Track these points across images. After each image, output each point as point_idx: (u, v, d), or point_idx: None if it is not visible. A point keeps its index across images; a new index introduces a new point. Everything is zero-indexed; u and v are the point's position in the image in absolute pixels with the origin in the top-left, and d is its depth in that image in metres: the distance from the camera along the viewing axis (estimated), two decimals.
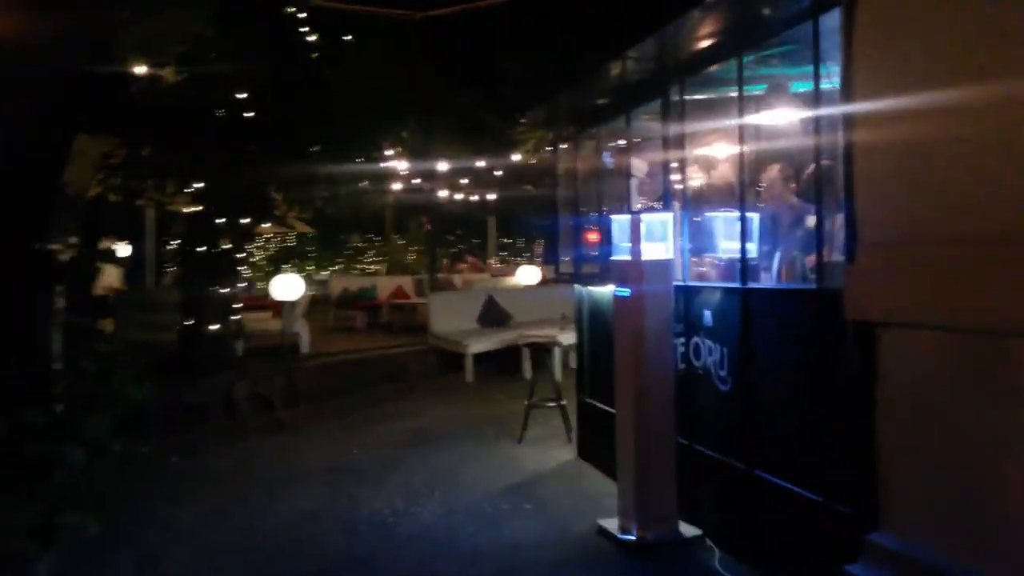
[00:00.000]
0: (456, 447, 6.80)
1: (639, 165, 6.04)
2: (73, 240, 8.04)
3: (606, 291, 5.68)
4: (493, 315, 11.41)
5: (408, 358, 10.26)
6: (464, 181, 18.88)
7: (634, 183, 5.99)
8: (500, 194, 22.07)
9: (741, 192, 4.14)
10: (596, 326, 5.93)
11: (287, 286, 9.41)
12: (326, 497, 5.58)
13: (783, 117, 4.89)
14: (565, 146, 6.95)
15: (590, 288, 6.04)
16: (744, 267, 4.03)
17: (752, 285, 4.01)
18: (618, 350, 4.58)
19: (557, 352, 8.36)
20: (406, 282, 15.78)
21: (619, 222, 4.58)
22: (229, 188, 7.69)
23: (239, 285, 8.78)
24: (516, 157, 16.92)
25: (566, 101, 6.23)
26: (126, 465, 5.99)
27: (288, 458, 6.74)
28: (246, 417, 7.96)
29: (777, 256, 4.07)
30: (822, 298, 3.40)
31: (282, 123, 7.91)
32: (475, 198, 22.55)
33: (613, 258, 4.61)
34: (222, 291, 8.10)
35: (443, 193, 23.18)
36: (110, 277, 13.51)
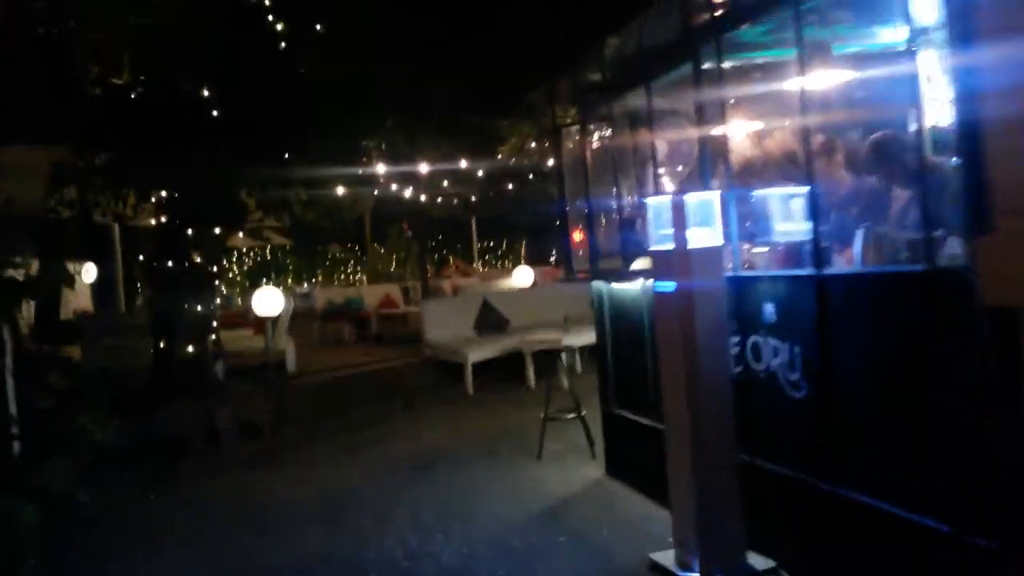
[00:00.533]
0: (468, 469, 6.12)
1: (659, 144, 5.42)
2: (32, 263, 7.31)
3: (633, 287, 5.05)
4: (490, 321, 10.74)
5: (403, 371, 9.57)
6: (444, 184, 18.24)
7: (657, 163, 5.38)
8: (481, 195, 21.45)
9: (808, 165, 3.50)
10: (622, 328, 5.28)
11: (268, 300, 8.70)
12: (328, 536, 4.89)
13: (833, 80, 4.29)
14: (570, 130, 6.31)
15: (612, 285, 5.39)
16: (818, 250, 3.40)
17: (831, 271, 3.38)
18: (663, 356, 3.94)
19: (566, 357, 7.70)
20: (394, 290, 15.09)
21: (656, 206, 3.94)
22: (196, 196, 6.97)
23: (215, 302, 8.05)
24: (499, 156, 16.32)
25: (572, 77, 5.60)
26: (92, 517, 5.33)
27: (281, 490, 6.02)
28: (231, 446, 7.24)
29: (859, 235, 3.45)
30: (935, 281, 2.78)
31: (250, 122, 7.20)
32: (455, 201, 21.92)
33: (652, 248, 3.96)
34: (197, 309, 7.39)
35: (423, 198, 22.54)
36: (78, 300, 12.71)
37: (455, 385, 9.62)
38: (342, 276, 26.70)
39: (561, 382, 8.37)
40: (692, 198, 3.75)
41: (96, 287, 12.94)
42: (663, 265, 3.86)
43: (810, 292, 3.42)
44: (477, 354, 9.53)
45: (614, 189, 5.70)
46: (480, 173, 17.84)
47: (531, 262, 29.00)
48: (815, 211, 3.44)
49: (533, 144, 16.43)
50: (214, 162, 6.95)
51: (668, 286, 3.80)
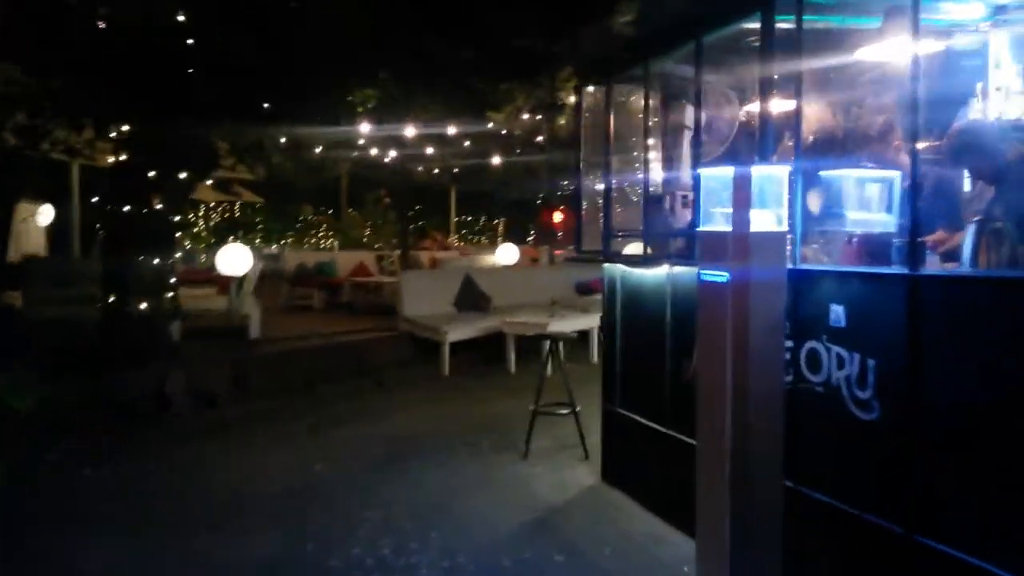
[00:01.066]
0: (447, 463, 5.49)
1: (695, 114, 4.79)
2: None
3: (654, 274, 4.43)
4: (471, 298, 10.09)
5: (376, 345, 8.89)
6: (429, 151, 17.44)
7: (687, 135, 4.75)
8: (464, 166, 20.70)
9: (914, 145, 2.88)
10: (637, 319, 4.67)
11: (235, 259, 7.96)
12: (286, 537, 4.23)
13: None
14: (591, 93, 5.64)
15: (628, 270, 4.77)
16: (914, 246, 2.80)
17: (929, 271, 2.79)
18: (703, 357, 3.32)
19: (562, 347, 7.10)
20: (368, 258, 14.33)
21: (713, 179, 3.31)
22: (160, 134, 6.19)
23: (176, 256, 7.29)
24: (490, 123, 15.58)
25: (601, 31, 4.94)
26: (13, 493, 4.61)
27: (236, 475, 5.34)
28: (183, 416, 6.53)
29: (970, 230, 2.85)
30: None
31: (229, 55, 6.42)
32: (437, 171, 21.13)
33: (702, 228, 3.34)
34: (154, 262, 6.63)
35: (403, 165, 21.69)
36: (32, 243, 11.81)
37: (430, 364, 8.98)
38: (313, 240, 25.78)
39: (547, 371, 7.81)
40: (760, 171, 3.12)
41: (52, 231, 12.02)
42: (714, 250, 3.24)
43: (898, 295, 2.83)
44: (456, 333, 8.89)
45: (638, 162, 5.07)
46: (467, 143, 17.13)
47: (509, 241, 28.40)
48: (912, 198, 2.84)
49: (525, 116, 15.75)
50: (184, 97, 6.17)
51: (718, 275, 3.18)
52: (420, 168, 20.38)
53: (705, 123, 4.77)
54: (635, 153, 5.13)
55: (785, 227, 3.17)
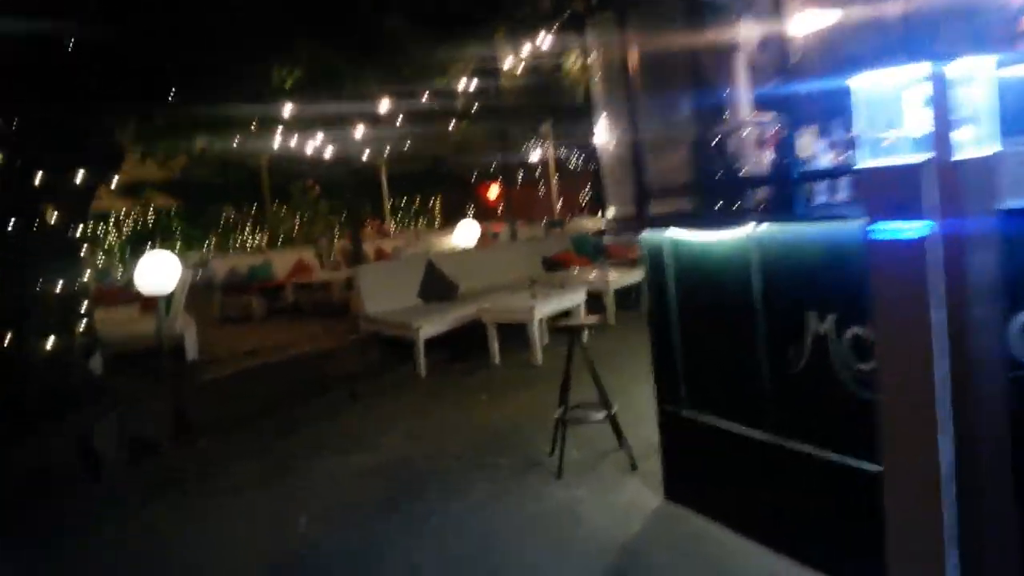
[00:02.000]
0: (466, 495, 4.41)
1: (748, 33, 3.78)
2: None
3: (726, 238, 3.41)
4: (437, 287, 8.96)
5: (337, 353, 7.70)
6: (360, 131, 16.08)
7: (740, 58, 3.74)
8: (399, 145, 19.37)
9: None
10: (704, 297, 3.65)
11: (160, 270, 6.63)
12: None
13: None
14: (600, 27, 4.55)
15: (683, 237, 3.73)
16: None
17: None
18: (883, 347, 2.33)
19: (584, 335, 6.10)
20: (307, 255, 12.99)
21: (871, 90, 2.29)
22: (45, 125, 4.85)
23: (85, 276, 5.94)
24: (425, 95, 14.31)
25: None
26: None
27: (197, 550, 4.15)
28: (120, 474, 5.27)
29: None
30: None
31: (128, 27, 5.11)
32: (367, 153, 19.73)
33: (864, 164, 2.32)
34: (59, 286, 5.29)
35: (329, 150, 20.26)
36: None
37: (403, 367, 7.85)
38: (238, 242, 24.04)
39: (535, 357, 6.87)
40: (958, 68, 2.12)
41: None
42: (891, 192, 2.23)
43: None
44: (430, 327, 7.77)
45: (672, 101, 4.03)
46: (400, 120, 15.83)
47: (447, 220, 27.14)
48: None
49: (463, 83, 14.55)
50: (72, 79, 4.86)
51: (906, 229, 2.18)
52: (351, 152, 18.99)
53: (763, 40, 3.78)
54: (668, 91, 4.09)
55: (998, 147, 2.18)
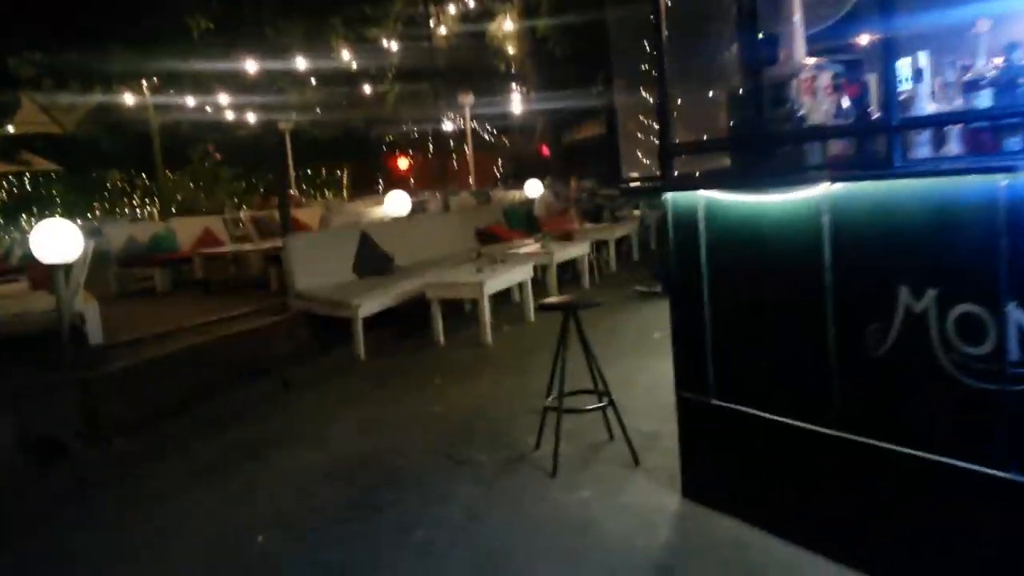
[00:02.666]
0: (450, 499, 3.82)
1: None
2: None
3: (789, 201, 2.93)
4: (372, 260, 8.23)
5: (266, 334, 6.88)
6: (267, 94, 14.93)
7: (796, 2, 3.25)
8: (304, 113, 18.23)
9: None
10: (750, 270, 3.17)
11: (57, 240, 5.67)
12: None
13: None
14: None
15: (721, 200, 3.23)
16: None
17: None
18: None
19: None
20: (215, 224, 11.88)
21: None
22: None
23: None
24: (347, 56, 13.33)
25: None
26: None
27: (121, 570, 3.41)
28: (21, 484, 4.39)
29: None
30: None
31: None
32: (273, 118, 18.49)
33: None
34: None
35: (231, 114, 18.93)
36: None
37: (339, 349, 7.14)
38: (126, 210, 22.21)
39: (485, 336, 6.34)
40: None
41: None
42: None
43: None
44: (369, 305, 7.06)
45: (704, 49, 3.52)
46: (314, 80, 14.79)
47: (355, 191, 26.01)
48: None
49: (388, 42, 13.67)
50: None
51: None
52: (258, 117, 17.73)
53: None
54: (702, 31, 3.57)
55: None
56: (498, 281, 7.40)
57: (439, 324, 7.37)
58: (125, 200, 21.43)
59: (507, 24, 15.14)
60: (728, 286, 3.27)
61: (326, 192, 25.44)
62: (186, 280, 10.71)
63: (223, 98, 14.98)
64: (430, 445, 4.61)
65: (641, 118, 4.07)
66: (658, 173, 3.48)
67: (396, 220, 9.54)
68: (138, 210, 21.35)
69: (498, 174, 27.08)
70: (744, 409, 3.24)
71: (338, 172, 26.47)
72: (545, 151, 26.53)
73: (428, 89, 15.54)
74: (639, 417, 4.50)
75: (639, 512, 3.52)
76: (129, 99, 14.79)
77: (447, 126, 26.69)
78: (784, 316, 3.02)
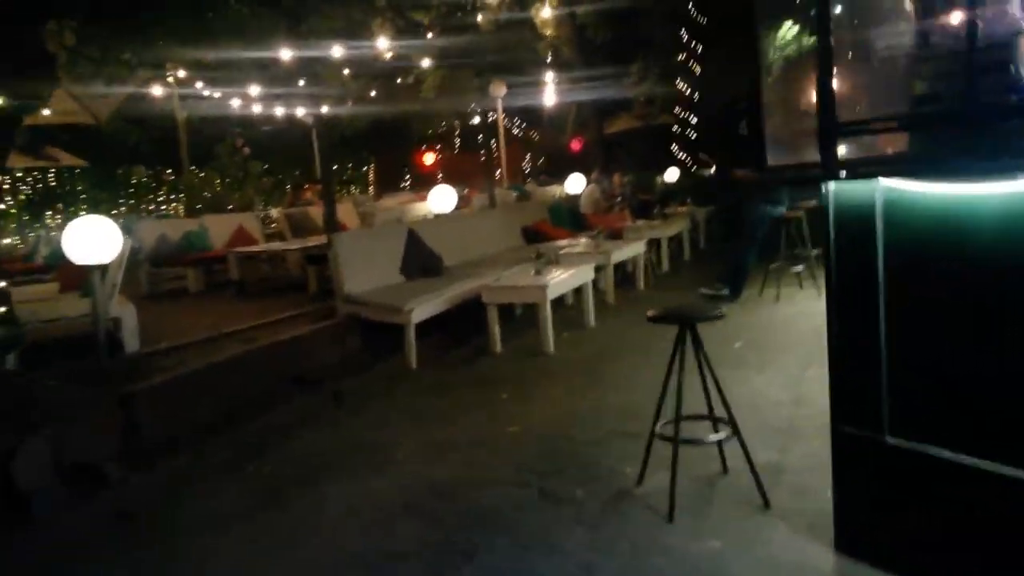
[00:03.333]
0: (553, 550, 3.26)
1: None
2: None
3: (1006, 192, 2.35)
4: (421, 260, 7.71)
5: (314, 341, 6.36)
6: (297, 85, 14.47)
7: None
8: (336, 104, 17.73)
9: None
10: (944, 276, 2.59)
11: (92, 239, 5.18)
12: None
13: None
14: None
15: (909, 190, 2.64)
16: None
17: None
18: None
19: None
20: (248, 221, 11.41)
21: None
22: None
23: None
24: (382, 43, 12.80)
25: None
26: None
27: None
28: (58, 515, 3.89)
29: None
30: None
31: None
32: (302, 111, 18.04)
33: None
34: None
35: (260, 108, 18.49)
36: None
37: (389, 357, 6.62)
38: (151, 206, 21.82)
39: (547, 345, 5.80)
40: None
41: None
42: None
43: None
44: (423, 310, 6.54)
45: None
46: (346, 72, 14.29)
47: (380, 186, 25.52)
48: None
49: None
50: None
51: None
52: (287, 111, 17.28)
53: None
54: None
55: None
56: (561, 284, 6.85)
57: (495, 330, 6.82)
58: (151, 196, 21.03)
59: (546, 10, 14.57)
60: (917, 298, 2.69)
61: (352, 188, 24.95)
62: (219, 280, 10.24)
63: (253, 89, 14.53)
64: (513, 474, 4.07)
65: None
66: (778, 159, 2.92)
67: (441, 217, 9.00)
68: (163, 207, 20.97)
69: (526, 169, 26.51)
70: (933, 450, 2.66)
71: (363, 168, 25.97)
72: (576, 145, 25.94)
73: (467, 75, 14.99)
74: (751, 444, 3.93)
75: (786, 569, 2.96)
76: (157, 90, 14.36)
77: (475, 119, 26.17)
78: (1000, 338, 2.44)
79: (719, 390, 3.54)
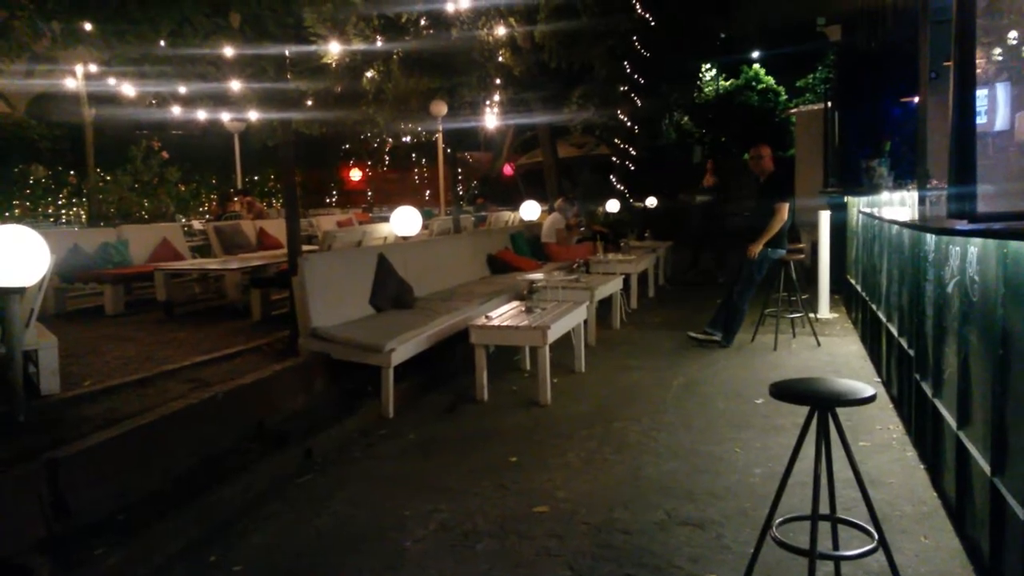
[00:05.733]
0: None
1: None
2: None
3: None
4: (392, 290, 6.78)
5: (271, 386, 5.33)
6: (228, 87, 13.22)
7: None
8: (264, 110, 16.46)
9: None
10: None
11: (11, 255, 4.08)
12: None
13: None
14: None
15: None
16: None
17: None
18: None
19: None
20: (173, 233, 10.13)
21: None
22: None
23: None
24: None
25: None
26: None
27: None
28: None
29: None
30: None
31: None
32: (228, 117, 16.67)
33: None
34: None
35: (176, 108, 16.98)
36: None
37: (360, 404, 5.68)
38: (49, 211, 19.74)
39: (544, 394, 5.08)
40: None
41: None
42: None
43: None
44: (404, 351, 5.65)
45: None
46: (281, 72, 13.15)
47: (306, 201, 24.13)
48: None
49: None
50: None
51: None
52: (209, 114, 15.90)
53: None
54: None
55: None
56: (560, 325, 6.08)
57: (483, 376, 5.98)
58: (49, 200, 18.99)
59: (501, 29, 13.89)
60: None
61: (273, 202, 23.48)
62: (140, 299, 8.98)
63: (171, 88, 13.23)
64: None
65: None
66: None
67: (406, 242, 8.09)
68: (63, 212, 19.00)
69: (460, 192, 25.66)
70: None
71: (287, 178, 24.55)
72: (508, 170, 25.32)
73: (411, 89, 14.09)
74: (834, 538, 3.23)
75: None
76: (71, 83, 12.87)
77: (406, 138, 25.18)
78: None
79: (860, 485, 2.81)
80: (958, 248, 3.39)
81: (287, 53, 7.63)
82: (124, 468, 3.95)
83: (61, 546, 3.34)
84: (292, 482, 4.41)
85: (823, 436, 2.72)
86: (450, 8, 11.90)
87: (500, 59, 14.87)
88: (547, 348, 5.76)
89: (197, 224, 13.38)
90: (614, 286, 8.45)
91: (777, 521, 2.93)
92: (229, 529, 3.80)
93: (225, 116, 16.29)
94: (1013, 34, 5.49)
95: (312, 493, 4.27)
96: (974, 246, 3.07)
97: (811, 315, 8.13)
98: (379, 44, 12.81)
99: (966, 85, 2.28)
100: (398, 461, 4.75)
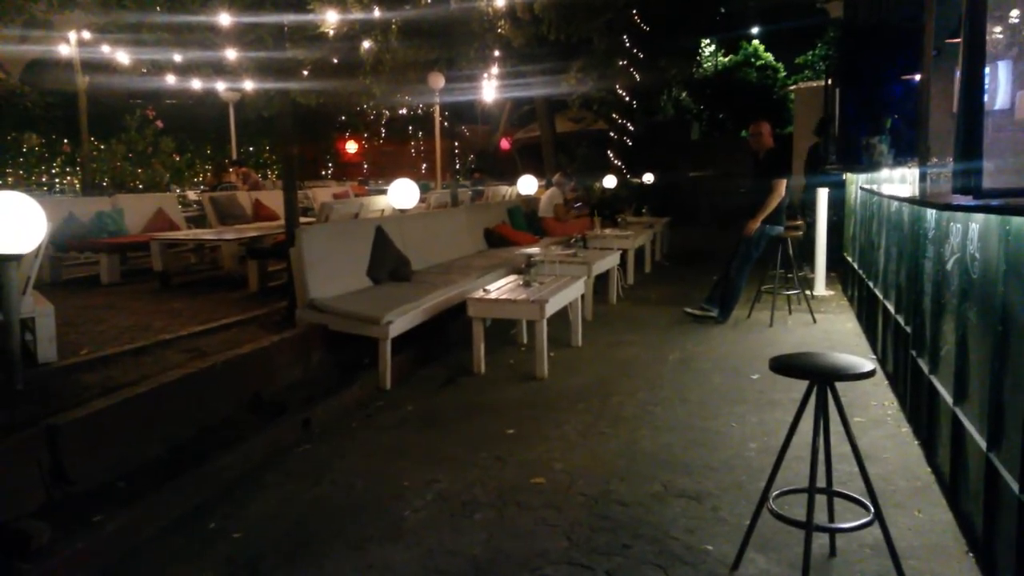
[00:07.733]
0: None
1: None
2: None
3: None
4: (389, 263, 6.78)
5: (269, 356, 5.33)
6: (221, 55, 13.10)
7: None
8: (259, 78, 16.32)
9: None
10: None
11: (8, 222, 4.06)
12: None
13: None
14: None
15: None
16: None
17: None
18: None
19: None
20: (168, 203, 10.08)
21: None
22: None
23: None
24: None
25: None
26: None
27: None
28: None
29: None
30: None
31: None
32: (224, 86, 16.54)
33: None
34: None
35: (171, 79, 16.84)
36: None
37: (357, 375, 5.68)
38: (43, 180, 19.59)
39: (541, 368, 5.10)
40: None
41: None
42: None
43: None
44: (402, 323, 5.65)
45: None
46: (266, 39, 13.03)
47: (301, 173, 24.00)
48: None
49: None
50: None
51: None
52: (204, 83, 15.76)
53: None
54: None
55: None
56: (558, 299, 6.08)
57: (481, 349, 6.00)
58: (43, 168, 18.83)
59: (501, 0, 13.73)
60: None
61: (268, 173, 23.35)
62: (135, 269, 8.96)
63: (166, 57, 13.12)
64: (567, 549, 3.26)
65: None
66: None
67: (404, 215, 8.06)
68: (57, 181, 18.86)
69: (456, 165, 25.54)
70: None
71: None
72: (505, 144, 25.20)
73: (409, 58, 13.97)
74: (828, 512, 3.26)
75: None
76: (64, 49, 12.72)
77: (403, 110, 25.00)
78: None
79: (858, 459, 2.83)
80: (959, 225, 3.40)
81: (285, 22, 7.57)
82: (123, 436, 3.96)
83: (61, 512, 3.35)
84: (291, 452, 4.43)
85: (822, 410, 2.73)
86: None
87: (499, 30, 14.73)
88: (544, 322, 5.77)
89: (192, 195, 13.31)
90: (611, 261, 8.45)
91: (774, 494, 2.95)
92: (228, 497, 3.82)
93: (220, 86, 16.14)
94: (1015, 13, 5.45)
95: (311, 463, 4.29)
96: (975, 223, 3.08)
97: (807, 292, 8.16)
98: (377, 13, 12.69)
99: (975, 59, 2.26)
100: (396, 432, 4.77)
